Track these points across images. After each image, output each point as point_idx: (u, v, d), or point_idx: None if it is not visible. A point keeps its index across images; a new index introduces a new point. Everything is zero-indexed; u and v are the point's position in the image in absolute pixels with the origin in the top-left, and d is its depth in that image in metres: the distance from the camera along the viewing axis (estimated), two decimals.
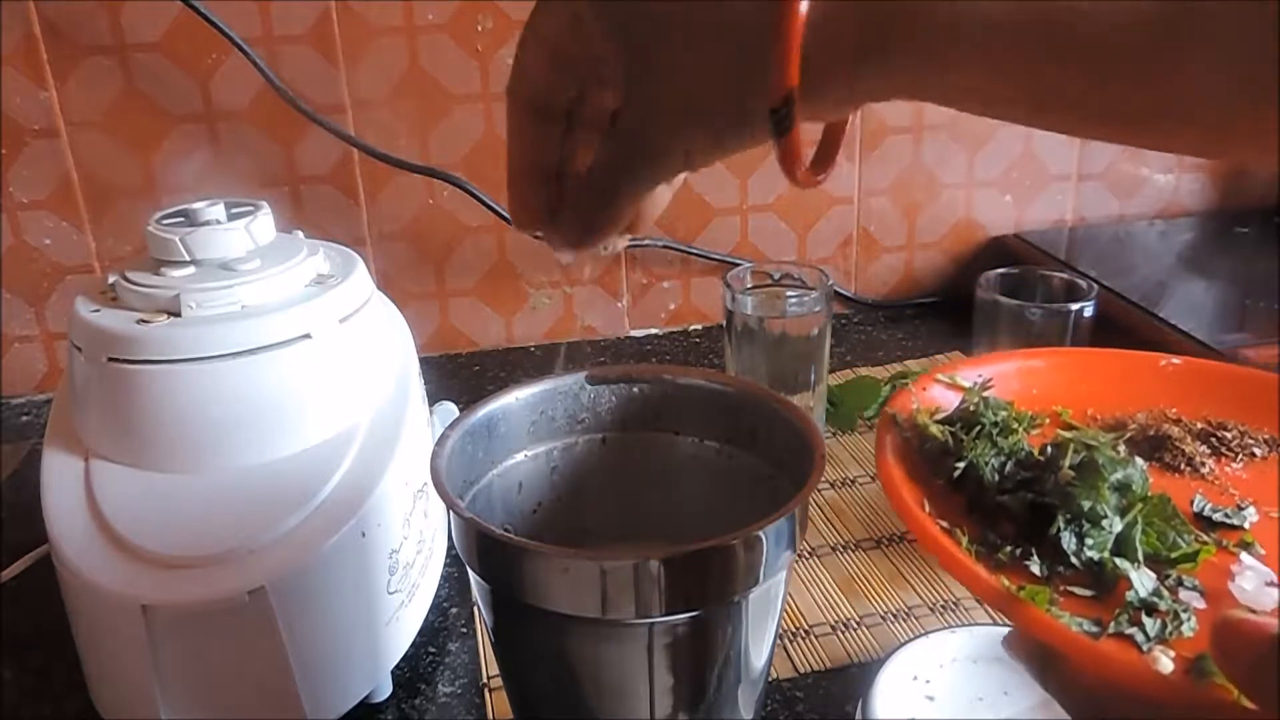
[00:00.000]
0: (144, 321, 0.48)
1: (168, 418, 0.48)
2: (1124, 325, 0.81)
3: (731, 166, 0.94)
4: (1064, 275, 0.76)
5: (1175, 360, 0.51)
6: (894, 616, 0.57)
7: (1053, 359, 0.53)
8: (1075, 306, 0.71)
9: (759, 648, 0.41)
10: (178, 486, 0.48)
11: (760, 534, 0.36)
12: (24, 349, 0.89)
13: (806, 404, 0.72)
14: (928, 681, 0.49)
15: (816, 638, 0.56)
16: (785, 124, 0.30)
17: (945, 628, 0.52)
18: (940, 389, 0.47)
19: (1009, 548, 0.37)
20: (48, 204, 0.84)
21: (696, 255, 0.96)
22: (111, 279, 0.52)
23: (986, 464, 0.41)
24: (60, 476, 0.49)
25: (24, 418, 0.86)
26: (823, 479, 0.61)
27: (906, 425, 0.43)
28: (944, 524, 0.38)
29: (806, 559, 0.62)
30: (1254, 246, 1.00)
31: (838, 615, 0.58)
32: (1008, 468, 0.41)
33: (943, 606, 0.58)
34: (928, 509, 0.39)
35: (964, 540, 0.37)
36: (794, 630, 0.56)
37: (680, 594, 0.35)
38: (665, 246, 0.95)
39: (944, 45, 0.28)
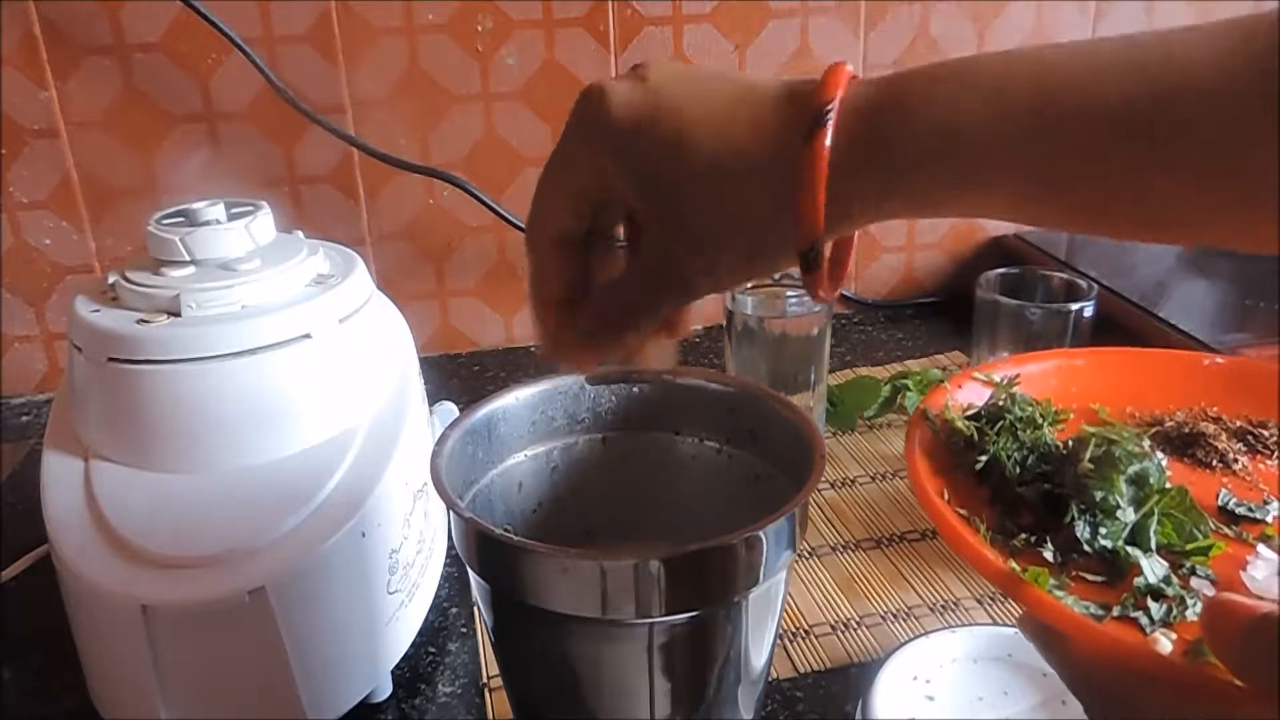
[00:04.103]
0: (144, 321, 0.48)
1: (168, 418, 0.48)
2: (1124, 325, 0.81)
3: None
4: (1064, 275, 0.76)
5: (1219, 359, 0.52)
6: (894, 616, 0.57)
7: (1094, 358, 0.53)
8: (1075, 306, 0.71)
9: (759, 648, 0.41)
10: (178, 486, 0.48)
11: (760, 534, 0.36)
12: (24, 349, 0.89)
13: (806, 404, 0.72)
14: (928, 681, 0.49)
15: (816, 638, 0.56)
16: (813, 263, 0.32)
17: (945, 628, 0.52)
18: (977, 386, 0.49)
19: (1024, 535, 0.38)
20: (48, 204, 0.84)
21: None
22: (111, 279, 0.52)
23: (1009, 457, 0.42)
24: (60, 476, 0.49)
25: (24, 418, 0.86)
26: (823, 479, 0.61)
27: (936, 420, 0.45)
28: (963, 512, 0.39)
29: (806, 559, 0.62)
30: None
31: (838, 615, 0.58)
32: (1029, 460, 0.42)
33: (943, 606, 0.58)
34: (947, 498, 0.40)
35: (982, 529, 0.39)
36: (794, 630, 0.56)
37: (680, 594, 0.35)
38: None
39: (960, 162, 0.30)
